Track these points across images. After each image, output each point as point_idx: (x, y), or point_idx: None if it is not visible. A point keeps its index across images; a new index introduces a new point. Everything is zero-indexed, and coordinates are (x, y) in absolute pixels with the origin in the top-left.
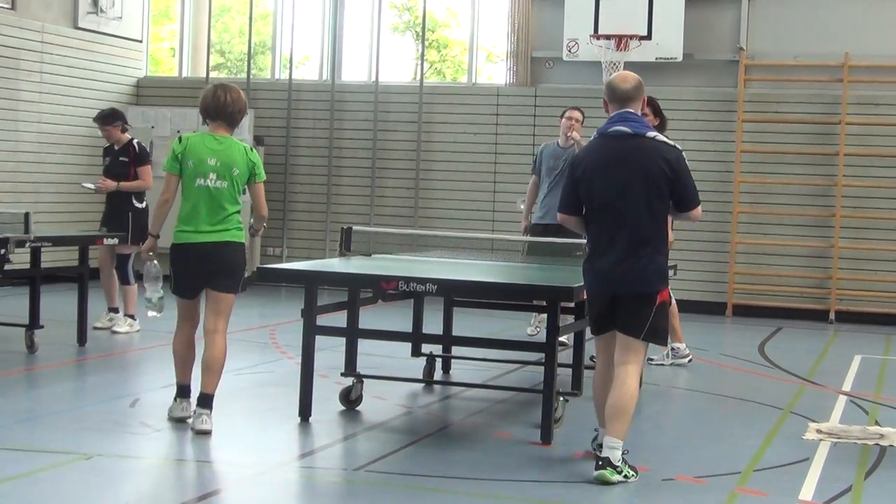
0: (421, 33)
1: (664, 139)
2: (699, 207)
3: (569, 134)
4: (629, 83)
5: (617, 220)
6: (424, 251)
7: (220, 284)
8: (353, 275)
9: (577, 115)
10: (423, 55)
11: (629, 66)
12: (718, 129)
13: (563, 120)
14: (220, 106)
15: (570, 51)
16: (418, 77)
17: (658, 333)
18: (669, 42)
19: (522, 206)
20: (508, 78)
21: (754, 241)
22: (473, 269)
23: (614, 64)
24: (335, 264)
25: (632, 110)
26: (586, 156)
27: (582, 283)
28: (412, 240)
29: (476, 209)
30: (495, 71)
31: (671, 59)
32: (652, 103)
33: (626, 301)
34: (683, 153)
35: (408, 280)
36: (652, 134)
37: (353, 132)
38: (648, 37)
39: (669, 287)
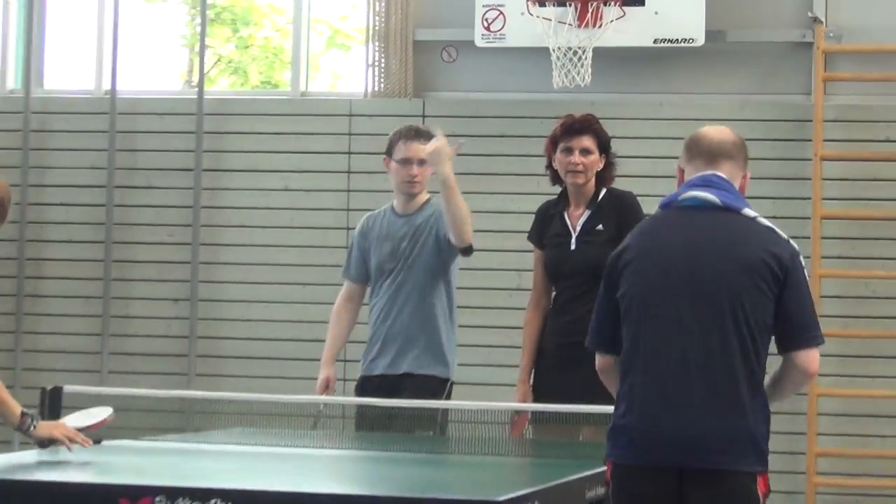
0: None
1: (770, 224)
2: (817, 351)
3: (412, 180)
4: (726, 134)
5: (689, 341)
6: (209, 427)
7: None
8: (65, 485)
9: (420, 151)
10: (202, 41)
11: (605, 53)
12: (777, 174)
13: (394, 164)
14: None
15: (488, 28)
16: (195, 82)
17: None
18: (681, 12)
19: None
20: (371, 81)
21: (851, 391)
22: (303, 466)
23: (576, 52)
24: (29, 462)
25: (723, 174)
26: (637, 241)
27: (514, 496)
28: (184, 406)
29: (305, 339)
30: (347, 67)
31: (685, 42)
32: (598, 133)
33: (701, 486)
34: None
35: (173, 493)
36: (751, 213)
37: (64, 190)
38: (639, 2)
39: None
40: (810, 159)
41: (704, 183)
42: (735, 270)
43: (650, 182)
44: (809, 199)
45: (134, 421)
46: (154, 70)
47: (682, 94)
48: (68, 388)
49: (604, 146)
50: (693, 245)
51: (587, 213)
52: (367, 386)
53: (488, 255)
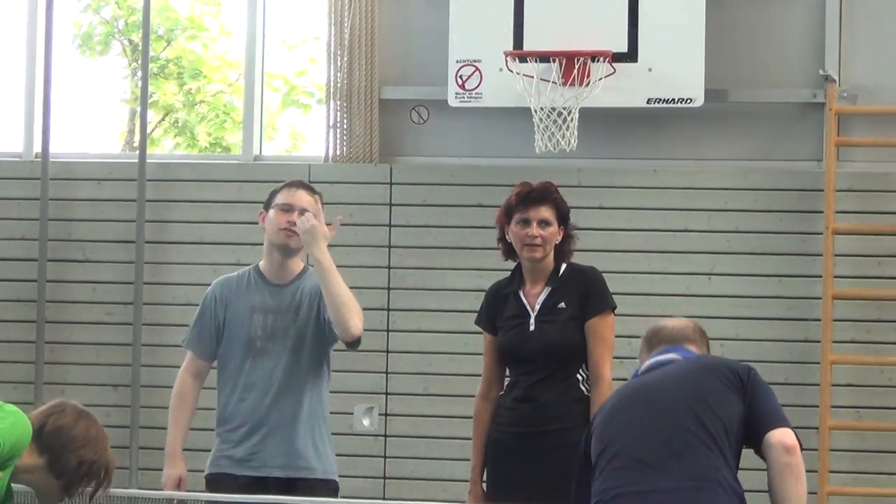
0: (142, 47)
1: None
2: (789, 431)
3: (290, 227)
4: (685, 322)
5: (652, 454)
6: None
7: None
8: None
9: (303, 199)
10: (144, 97)
11: (593, 115)
12: (784, 249)
13: (272, 212)
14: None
15: (462, 86)
16: (136, 143)
17: None
18: (678, 70)
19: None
20: (332, 143)
21: (866, 489)
22: None
23: (560, 113)
24: None
25: (690, 347)
26: (599, 414)
27: None
28: None
29: None
30: (306, 128)
31: (683, 102)
32: (558, 203)
33: None
34: None
35: None
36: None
37: None
38: (631, 57)
39: None
40: (821, 233)
41: (672, 350)
42: (697, 373)
43: (644, 258)
44: (820, 277)
45: None
46: (91, 131)
47: (678, 161)
48: None
49: (563, 217)
50: (657, 381)
51: (547, 290)
52: (225, 488)
53: (463, 339)
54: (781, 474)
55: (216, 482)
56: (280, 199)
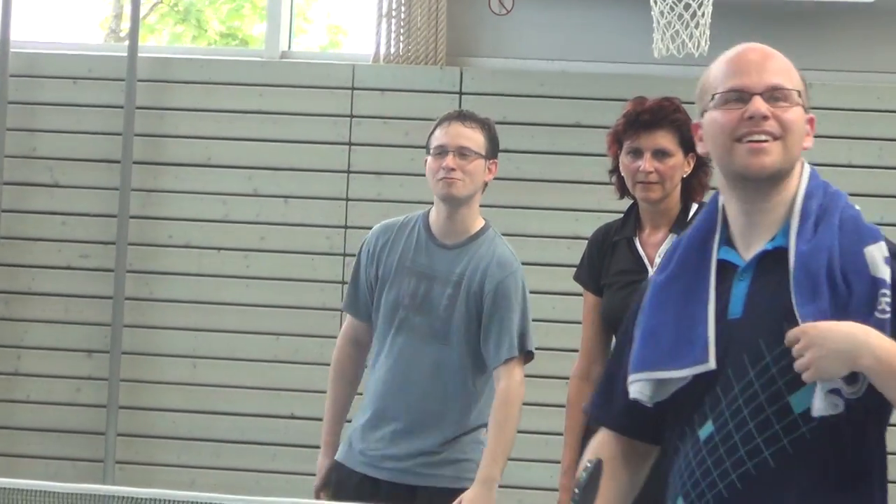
0: None
1: None
2: None
3: (446, 176)
4: None
5: None
6: None
7: None
8: None
9: (458, 131)
10: None
11: (733, 8)
12: None
13: (428, 159)
14: None
15: None
16: (125, 32)
17: None
18: None
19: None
20: (385, 39)
21: None
22: None
23: (688, 6)
24: None
25: None
26: None
27: None
28: None
29: (276, 414)
30: (349, 19)
31: None
32: (680, 125)
33: None
34: None
35: None
36: None
37: None
38: None
39: None
40: None
41: None
42: None
43: None
44: None
45: None
46: (65, 15)
47: (843, 73)
48: None
49: (689, 143)
50: None
51: (671, 237)
52: (345, 481)
53: (552, 301)
54: None
55: (333, 469)
56: (434, 140)
